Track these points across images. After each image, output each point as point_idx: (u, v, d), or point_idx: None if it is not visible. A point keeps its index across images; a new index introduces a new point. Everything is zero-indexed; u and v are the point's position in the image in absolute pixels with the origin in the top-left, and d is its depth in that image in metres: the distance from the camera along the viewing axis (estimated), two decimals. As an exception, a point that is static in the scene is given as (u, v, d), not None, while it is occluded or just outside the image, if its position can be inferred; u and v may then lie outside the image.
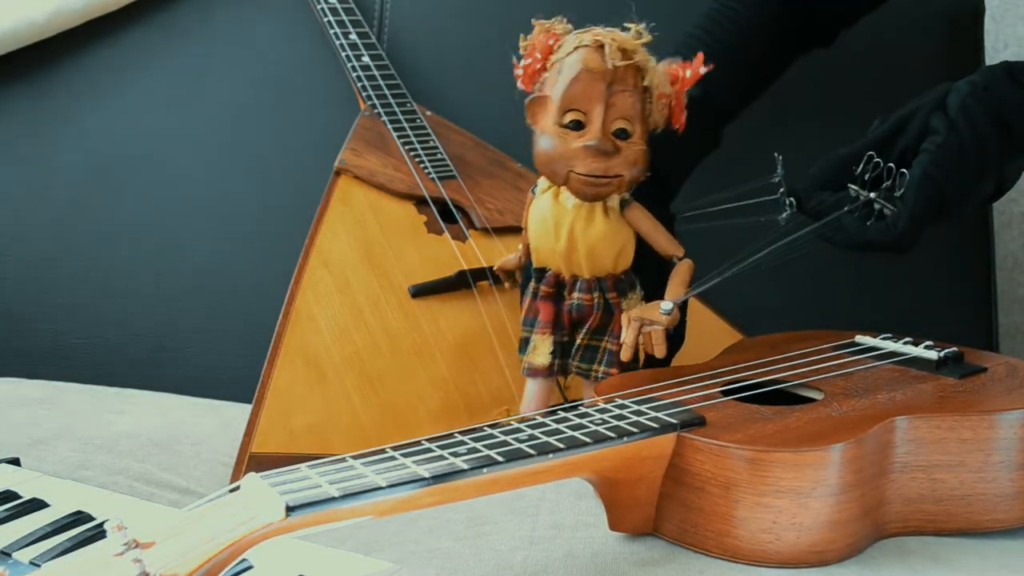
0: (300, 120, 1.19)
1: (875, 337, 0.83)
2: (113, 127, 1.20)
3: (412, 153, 1.03)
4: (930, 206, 0.78)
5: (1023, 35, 1.24)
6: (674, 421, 0.64)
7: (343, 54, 1.12)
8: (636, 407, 0.66)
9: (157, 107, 1.20)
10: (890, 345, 0.80)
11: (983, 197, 0.83)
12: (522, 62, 0.79)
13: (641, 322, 0.76)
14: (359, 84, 1.10)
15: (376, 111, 1.07)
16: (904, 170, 0.79)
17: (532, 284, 0.81)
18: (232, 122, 1.19)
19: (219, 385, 1.05)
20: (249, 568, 0.55)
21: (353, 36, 1.14)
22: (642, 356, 0.78)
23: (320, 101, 1.19)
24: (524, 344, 0.81)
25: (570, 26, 0.79)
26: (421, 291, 0.90)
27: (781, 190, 0.84)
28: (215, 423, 0.95)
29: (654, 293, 0.80)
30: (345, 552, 0.56)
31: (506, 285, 0.92)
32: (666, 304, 0.76)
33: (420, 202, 0.98)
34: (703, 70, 0.79)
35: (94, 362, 1.10)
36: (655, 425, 0.63)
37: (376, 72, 1.11)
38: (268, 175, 1.16)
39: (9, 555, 0.56)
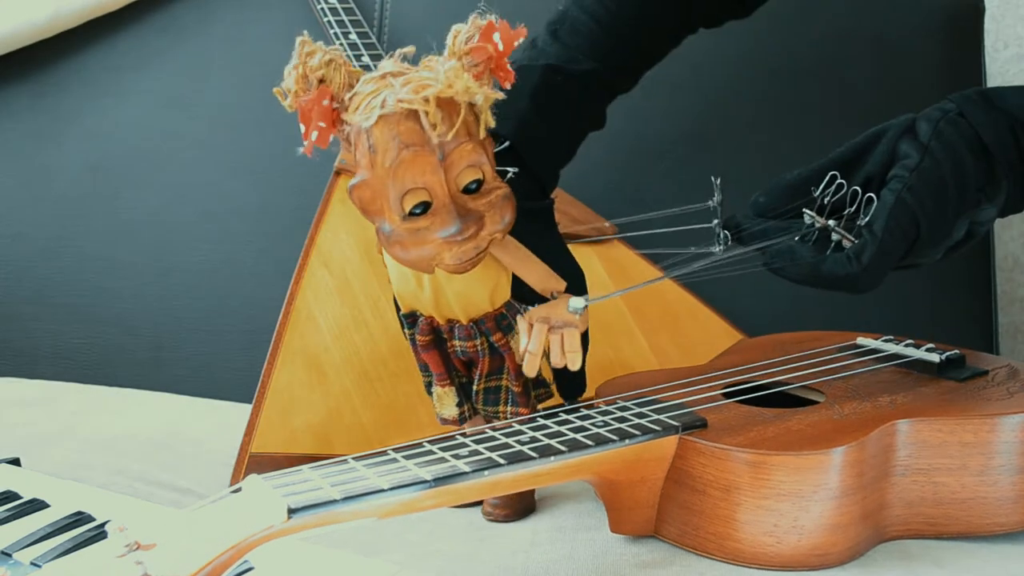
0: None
1: (877, 339, 0.83)
2: (113, 127, 1.19)
3: (412, 153, 1.02)
4: (902, 239, 0.69)
5: (1023, 35, 1.24)
6: (676, 423, 0.64)
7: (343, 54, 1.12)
8: (638, 409, 0.66)
9: (157, 107, 1.20)
10: (892, 347, 0.80)
11: (954, 241, 0.73)
12: (302, 127, 0.61)
13: (548, 324, 0.64)
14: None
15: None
16: (872, 195, 0.70)
17: (407, 332, 0.70)
18: (232, 122, 1.19)
19: (219, 385, 1.05)
20: (250, 570, 0.54)
21: (353, 36, 1.14)
22: (548, 373, 0.68)
23: (320, 101, 1.18)
24: (428, 388, 0.72)
25: (340, 62, 0.61)
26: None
27: (716, 220, 0.72)
28: (215, 423, 0.95)
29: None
30: (346, 554, 0.56)
31: None
32: (576, 301, 0.64)
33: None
34: (520, 41, 0.61)
35: (94, 362, 1.10)
36: (657, 427, 0.63)
37: (376, 72, 1.11)
38: (268, 175, 1.16)
39: (10, 555, 0.56)
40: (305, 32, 0.61)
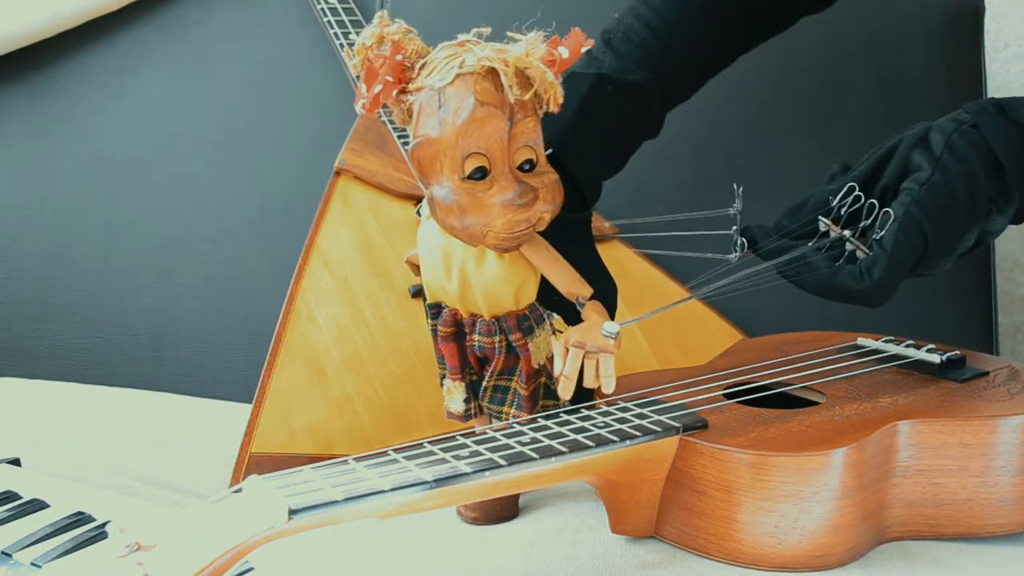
0: (300, 120, 1.18)
1: (878, 339, 0.83)
2: (113, 127, 1.20)
3: (412, 153, 1.02)
4: (910, 253, 0.69)
5: (1023, 35, 1.24)
6: (676, 424, 0.64)
7: (343, 54, 1.12)
8: (638, 410, 0.66)
9: (157, 107, 1.20)
10: (892, 348, 0.80)
11: (964, 249, 0.73)
12: (363, 85, 0.64)
13: (584, 349, 0.63)
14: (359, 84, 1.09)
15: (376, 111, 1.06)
16: (888, 209, 0.70)
17: (430, 321, 0.71)
18: (232, 122, 1.19)
19: (219, 385, 1.05)
20: (250, 570, 0.55)
21: (353, 36, 1.14)
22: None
23: (320, 101, 1.18)
24: (441, 380, 0.73)
25: (415, 35, 0.65)
26: (421, 291, 0.90)
27: (734, 227, 0.73)
28: (215, 423, 0.95)
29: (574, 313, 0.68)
30: (347, 555, 0.56)
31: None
32: (610, 325, 0.63)
33: (420, 202, 0.98)
34: (585, 49, 0.65)
35: (94, 362, 1.10)
36: (657, 428, 0.63)
37: (377, 72, 1.11)
38: (268, 175, 1.16)
39: (10, 555, 0.56)
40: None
